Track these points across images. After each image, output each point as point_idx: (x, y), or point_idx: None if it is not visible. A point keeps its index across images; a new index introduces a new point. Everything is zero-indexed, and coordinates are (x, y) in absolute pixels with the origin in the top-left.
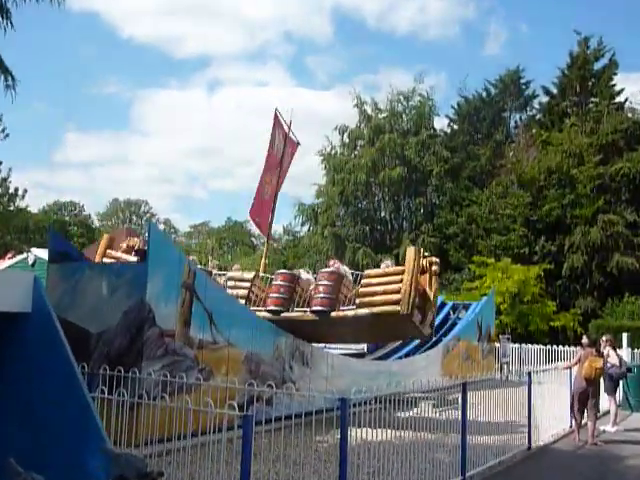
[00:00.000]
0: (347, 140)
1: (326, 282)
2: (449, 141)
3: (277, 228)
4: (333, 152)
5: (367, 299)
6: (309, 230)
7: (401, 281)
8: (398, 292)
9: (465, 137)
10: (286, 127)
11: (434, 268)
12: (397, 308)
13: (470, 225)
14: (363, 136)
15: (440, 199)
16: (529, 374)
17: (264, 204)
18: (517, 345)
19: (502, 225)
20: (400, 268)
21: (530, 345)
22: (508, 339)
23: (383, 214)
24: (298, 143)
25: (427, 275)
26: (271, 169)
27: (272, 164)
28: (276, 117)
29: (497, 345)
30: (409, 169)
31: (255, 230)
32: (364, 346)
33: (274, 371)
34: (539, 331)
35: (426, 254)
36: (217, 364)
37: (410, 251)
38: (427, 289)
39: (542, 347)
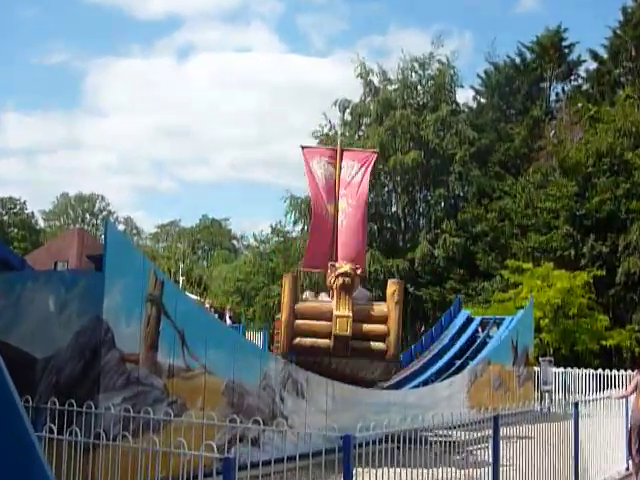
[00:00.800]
0: (349, 118)
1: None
2: (475, 118)
3: (264, 227)
4: (332, 133)
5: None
6: (303, 230)
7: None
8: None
9: (495, 113)
10: (326, 152)
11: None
12: None
13: (502, 222)
14: (369, 113)
15: (465, 190)
16: (576, 405)
17: (324, 239)
18: (561, 369)
19: (542, 222)
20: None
21: (577, 369)
22: (550, 362)
23: (394, 209)
24: (375, 152)
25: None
26: (321, 204)
27: (322, 194)
28: (307, 152)
29: (536, 369)
30: (426, 153)
31: (236, 230)
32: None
33: (261, 404)
34: (588, 352)
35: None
36: (191, 395)
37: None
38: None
39: (592, 371)
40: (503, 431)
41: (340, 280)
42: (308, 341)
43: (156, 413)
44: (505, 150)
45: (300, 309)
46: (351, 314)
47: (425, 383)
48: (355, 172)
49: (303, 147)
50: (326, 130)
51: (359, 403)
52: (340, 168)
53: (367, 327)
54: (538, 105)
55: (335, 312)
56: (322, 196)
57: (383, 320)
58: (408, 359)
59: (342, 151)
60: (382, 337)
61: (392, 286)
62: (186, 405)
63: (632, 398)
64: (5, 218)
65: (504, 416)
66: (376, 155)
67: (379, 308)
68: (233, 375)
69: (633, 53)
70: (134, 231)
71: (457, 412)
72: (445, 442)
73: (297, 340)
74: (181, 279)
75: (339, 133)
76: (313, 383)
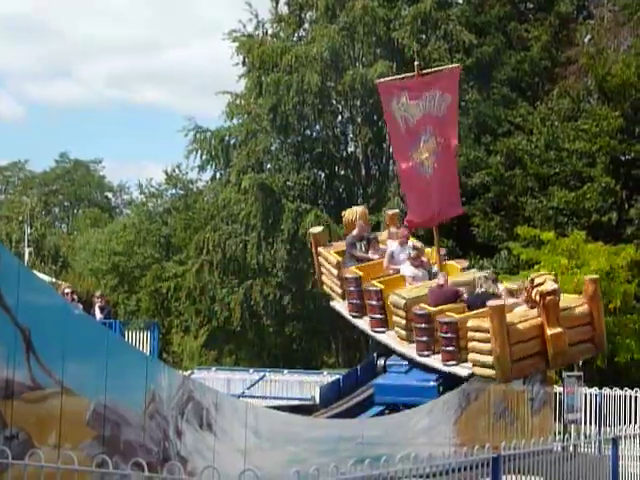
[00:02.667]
0: (285, 11)
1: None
2: (474, 15)
3: (154, 174)
4: (258, 34)
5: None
6: (214, 178)
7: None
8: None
9: (503, 8)
10: (408, 84)
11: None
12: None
13: (511, 170)
14: (315, 3)
15: (457, 122)
16: (615, 441)
17: (424, 191)
18: (595, 390)
19: (570, 171)
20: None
21: (619, 390)
22: (579, 379)
23: (351, 149)
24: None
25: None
26: (405, 147)
27: (405, 140)
28: (384, 89)
29: (558, 390)
30: (400, 66)
31: (112, 177)
32: (314, 394)
33: (147, 439)
34: (635, 363)
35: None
36: (40, 427)
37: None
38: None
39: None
40: None
41: (547, 299)
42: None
43: None
44: (517, 63)
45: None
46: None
47: (393, 409)
48: (440, 101)
49: (379, 83)
50: (250, 29)
51: (294, 438)
52: (426, 100)
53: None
54: None
55: (548, 331)
56: (408, 145)
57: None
58: (368, 372)
59: (421, 76)
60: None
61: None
62: (32, 441)
63: None
64: None
65: (509, 457)
66: (459, 69)
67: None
68: (105, 396)
69: None
70: None
71: (440, 452)
72: None
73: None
74: (27, 251)
75: (269, 33)
76: (226, 409)
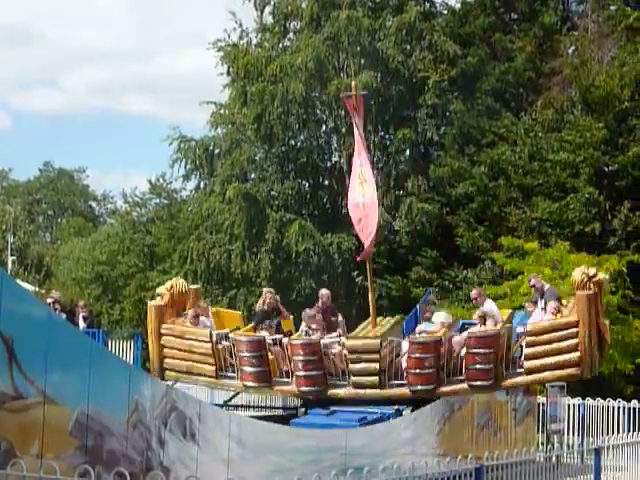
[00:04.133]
0: (270, 21)
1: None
2: (459, 25)
3: (139, 183)
4: (243, 43)
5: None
6: (198, 188)
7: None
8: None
9: (488, 18)
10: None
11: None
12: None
13: (495, 181)
14: (300, 13)
15: (441, 132)
16: (597, 452)
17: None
18: (578, 400)
19: (553, 181)
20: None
21: (601, 400)
22: (562, 389)
23: (335, 159)
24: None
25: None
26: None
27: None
28: (349, 103)
29: (541, 400)
30: (385, 76)
31: (97, 186)
32: (298, 403)
33: (130, 449)
34: (618, 374)
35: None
36: (22, 436)
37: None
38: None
39: (624, 404)
40: None
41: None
42: None
43: None
44: (501, 74)
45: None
46: None
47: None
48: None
49: (344, 97)
50: (234, 38)
51: (278, 448)
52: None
53: None
54: (552, 8)
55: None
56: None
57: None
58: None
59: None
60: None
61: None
62: (14, 450)
63: None
64: None
65: (492, 468)
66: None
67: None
68: (87, 406)
69: None
70: None
71: (422, 462)
72: None
73: None
74: (10, 259)
75: (254, 42)
76: (209, 419)
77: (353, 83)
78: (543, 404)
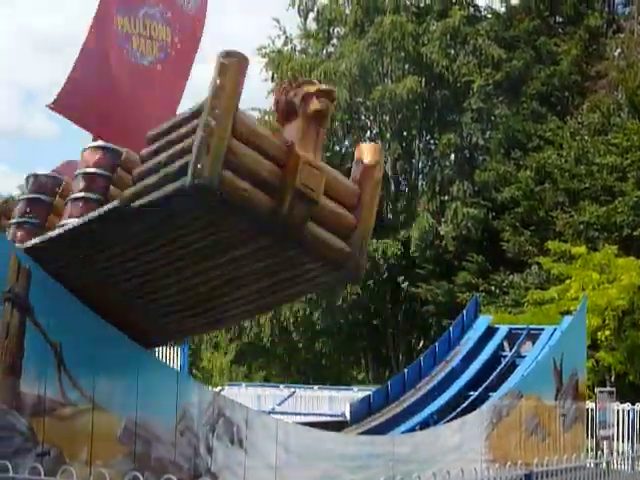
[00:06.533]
0: (314, 27)
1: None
2: (503, 29)
3: None
4: (287, 49)
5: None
6: None
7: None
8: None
9: (532, 22)
10: None
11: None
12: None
13: (541, 185)
14: (344, 19)
15: (486, 137)
16: None
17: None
18: (628, 405)
19: (600, 184)
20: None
21: None
22: (611, 395)
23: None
24: None
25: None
26: (109, 11)
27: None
28: None
29: (591, 406)
30: (429, 81)
31: None
32: (344, 410)
33: (178, 456)
34: None
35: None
36: (72, 443)
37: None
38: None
39: None
40: None
41: (317, 105)
42: (242, 185)
43: (18, 469)
44: (547, 77)
45: (242, 124)
46: (323, 168)
47: (424, 426)
48: None
49: None
50: (279, 44)
51: (325, 455)
52: None
53: (329, 205)
54: (597, 10)
55: (300, 152)
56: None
57: (350, 203)
58: (399, 389)
59: None
60: (345, 230)
61: (368, 151)
62: (63, 457)
63: None
64: None
65: (541, 474)
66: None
67: (347, 184)
68: (136, 413)
69: None
70: None
71: (470, 468)
72: None
73: (228, 175)
74: None
75: (298, 49)
76: (256, 425)
77: None
78: (592, 410)
